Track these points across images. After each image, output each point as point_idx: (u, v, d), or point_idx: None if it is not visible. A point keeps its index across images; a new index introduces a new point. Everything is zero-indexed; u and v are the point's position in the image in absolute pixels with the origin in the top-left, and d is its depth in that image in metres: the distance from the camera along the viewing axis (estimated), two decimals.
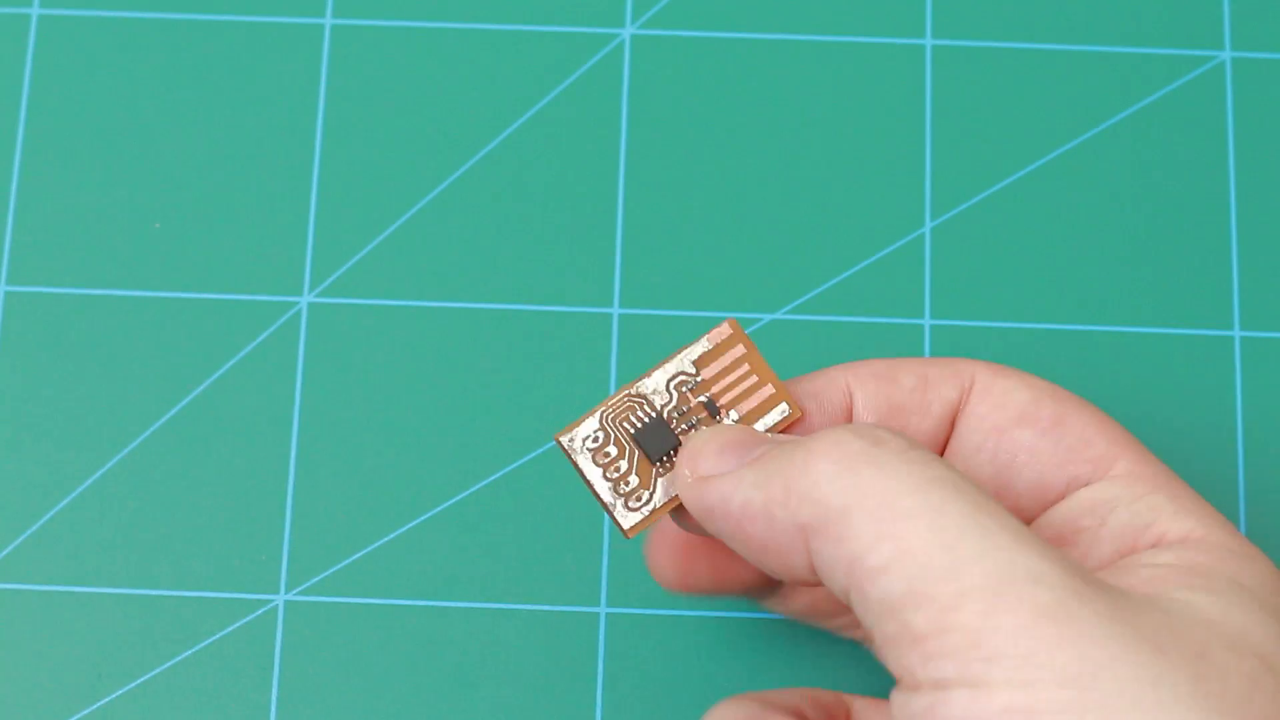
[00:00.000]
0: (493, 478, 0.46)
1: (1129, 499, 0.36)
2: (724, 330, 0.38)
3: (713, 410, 0.38)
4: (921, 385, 0.38)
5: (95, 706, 0.45)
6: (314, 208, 0.49)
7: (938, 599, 0.31)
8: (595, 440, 0.38)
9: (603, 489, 0.38)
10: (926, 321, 0.48)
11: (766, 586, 0.41)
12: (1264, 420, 0.47)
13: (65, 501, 0.46)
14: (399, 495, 0.46)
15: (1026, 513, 0.38)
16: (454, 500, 0.46)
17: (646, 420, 0.38)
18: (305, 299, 0.48)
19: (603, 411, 0.38)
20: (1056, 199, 0.49)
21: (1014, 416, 0.37)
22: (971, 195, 0.49)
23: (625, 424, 0.38)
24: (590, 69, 0.50)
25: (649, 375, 0.38)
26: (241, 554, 0.46)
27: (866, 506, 0.32)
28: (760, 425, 0.37)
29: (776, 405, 0.38)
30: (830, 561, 0.33)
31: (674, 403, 0.38)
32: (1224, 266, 0.48)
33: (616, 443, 0.38)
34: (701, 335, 0.39)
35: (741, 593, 0.41)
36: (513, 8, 0.50)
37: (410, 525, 0.46)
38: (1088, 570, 0.33)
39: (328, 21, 0.50)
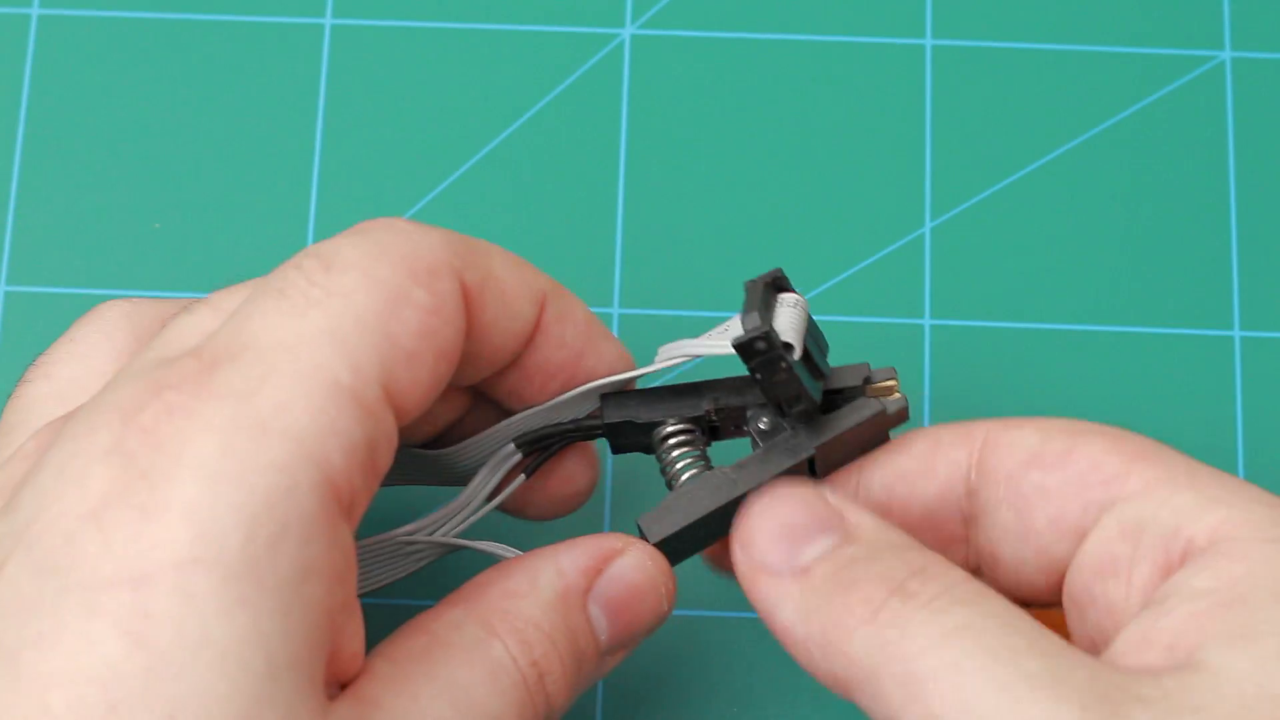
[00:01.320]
0: None
1: (1152, 511, 0.36)
2: None
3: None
4: (931, 450, 0.39)
5: None
6: (314, 208, 0.48)
7: None
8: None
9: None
10: (926, 321, 0.48)
11: None
12: (1264, 420, 0.47)
13: None
14: (402, 495, 0.46)
15: (1056, 552, 0.37)
16: None
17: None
18: None
19: None
20: (1056, 199, 0.49)
21: (1023, 461, 0.38)
22: (971, 195, 0.49)
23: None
24: (590, 69, 0.50)
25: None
26: None
27: (892, 670, 0.33)
28: None
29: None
30: (871, 712, 0.34)
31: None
32: (1224, 266, 0.48)
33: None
34: None
35: None
36: (513, 8, 0.50)
37: None
38: (1120, 686, 0.33)
39: (328, 21, 0.50)
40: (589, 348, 0.39)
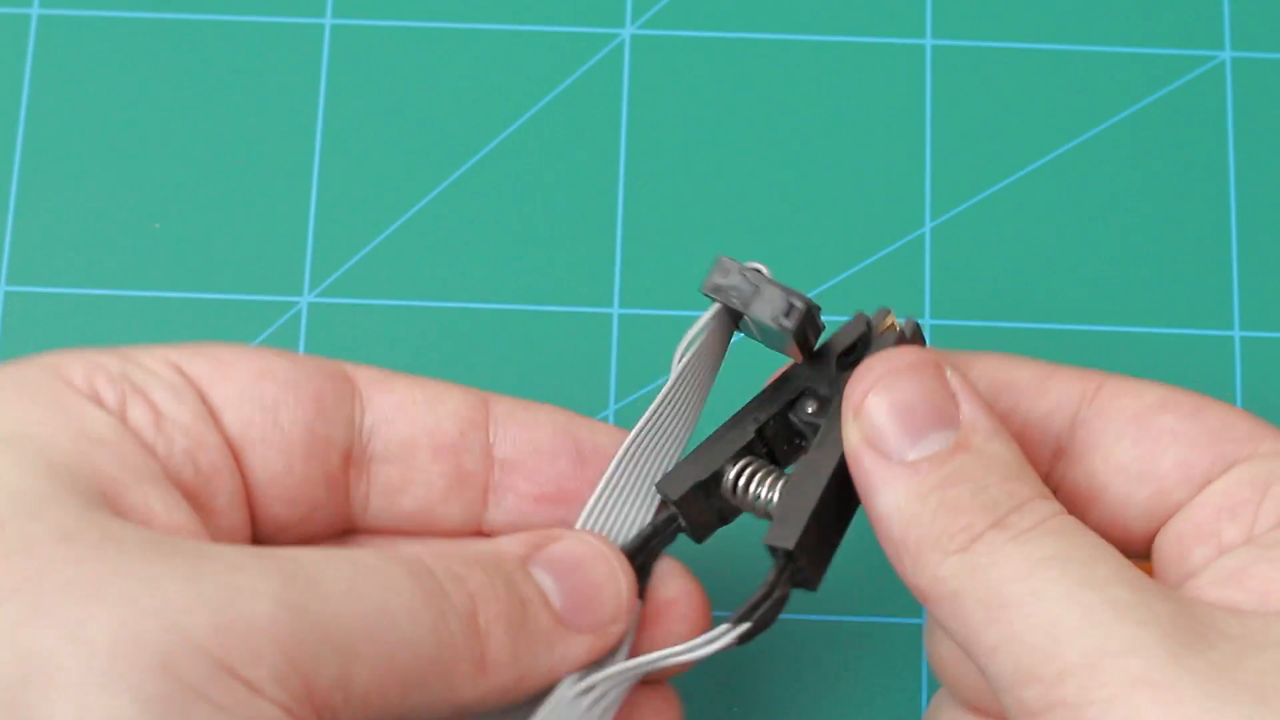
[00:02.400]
0: None
1: None
2: None
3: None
4: (1045, 372, 0.39)
5: None
6: (314, 208, 0.49)
7: (1043, 678, 0.33)
8: None
9: None
10: (927, 321, 0.48)
11: None
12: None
13: None
14: None
15: (1174, 496, 0.38)
16: None
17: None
18: (305, 299, 0.48)
19: None
20: (1056, 199, 0.49)
21: (1154, 404, 0.38)
22: (971, 195, 0.49)
23: None
24: (590, 69, 0.50)
25: None
26: None
27: (977, 594, 0.34)
28: None
29: None
30: (949, 628, 0.35)
31: None
32: (1224, 266, 0.48)
33: None
34: None
35: None
36: (513, 8, 0.50)
37: None
38: (1203, 619, 0.33)
39: (328, 21, 0.50)
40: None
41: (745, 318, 0.38)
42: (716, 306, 0.37)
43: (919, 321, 0.45)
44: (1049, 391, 0.39)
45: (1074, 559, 0.34)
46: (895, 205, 0.49)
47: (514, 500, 0.38)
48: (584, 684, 0.36)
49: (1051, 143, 0.49)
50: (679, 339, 0.47)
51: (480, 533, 0.39)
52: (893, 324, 0.39)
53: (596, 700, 0.36)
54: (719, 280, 0.37)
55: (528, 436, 0.38)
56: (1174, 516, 0.38)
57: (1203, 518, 0.37)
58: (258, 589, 0.32)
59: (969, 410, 0.36)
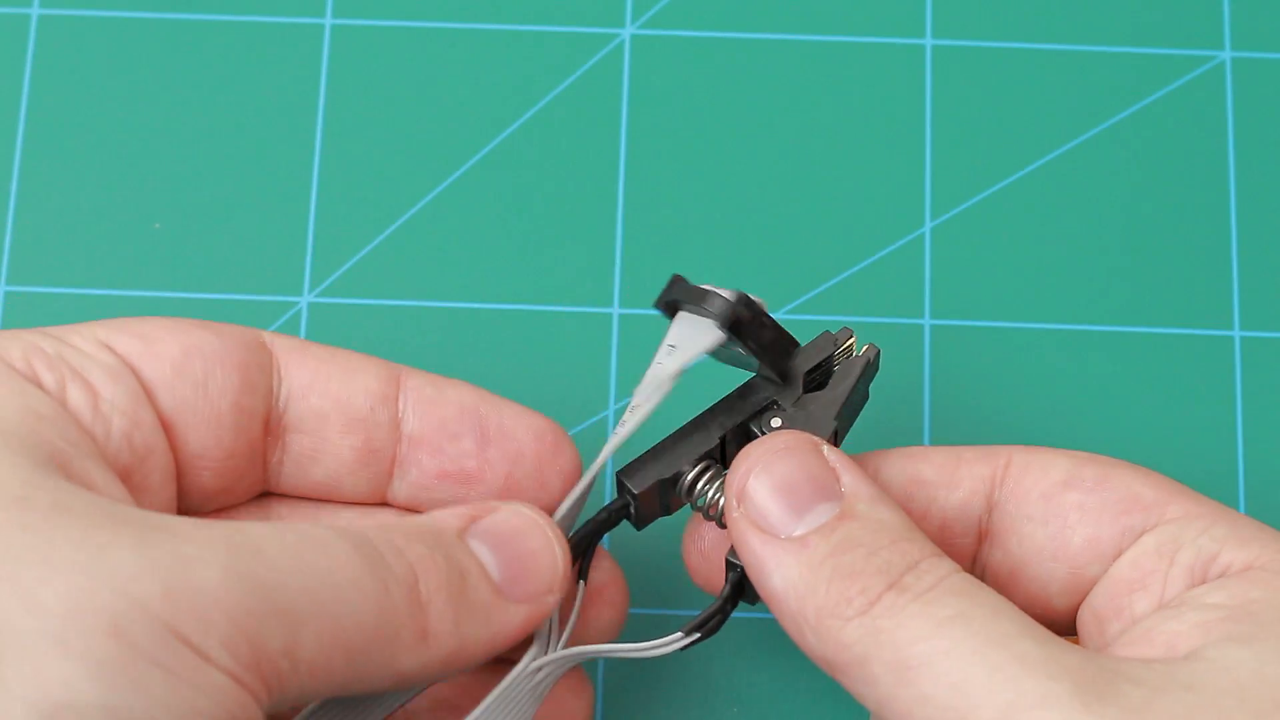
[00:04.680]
0: None
1: (1192, 535, 0.37)
2: None
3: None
4: (952, 462, 0.39)
5: None
6: (314, 208, 0.49)
7: None
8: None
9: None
10: (926, 321, 0.48)
11: None
12: (1264, 420, 0.47)
13: None
14: None
15: (1088, 573, 0.38)
16: None
17: None
18: (305, 299, 0.48)
19: None
20: (1056, 199, 0.49)
21: (1059, 482, 0.38)
22: (971, 195, 0.49)
23: None
24: (590, 69, 0.50)
25: None
26: None
27: (883, 657, 0.34)
28: None
29: None
30: (860, 695, 0.35)
31: None
32: (1224, 266, 0.48)
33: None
34: None
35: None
36: (513, 8, 0.50)
37: None
38: (1110, 669, 0.33)
39: (328, 21, 0.50)
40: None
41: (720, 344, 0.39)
42: (718, 334, 0.38)
43: (924, 330, 0.45)
44: (960, 481, 0.39)
45: (977, 617, 0.34)
46: (895, 205, 0.49)
47: (418, 474, 0.39)
48: (537, 663, 0.38)
49: (1051, 143, 0.49)
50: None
51: (386, 503, 0.40)
52: (852, 345, 0.40)
53: (545, 677, 0.38)
54: (690, 298, 0.38)
55: (435, 413, 0.39)
56: (1091, 591, 0.38)
57: (1115, 591, 0.37)
58: (206, 558, 0.32)
59: (849, 480, 0.37)
